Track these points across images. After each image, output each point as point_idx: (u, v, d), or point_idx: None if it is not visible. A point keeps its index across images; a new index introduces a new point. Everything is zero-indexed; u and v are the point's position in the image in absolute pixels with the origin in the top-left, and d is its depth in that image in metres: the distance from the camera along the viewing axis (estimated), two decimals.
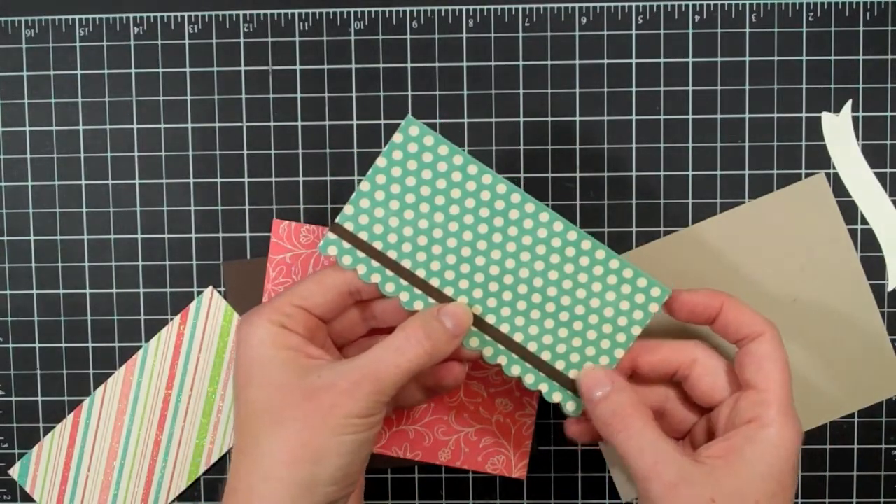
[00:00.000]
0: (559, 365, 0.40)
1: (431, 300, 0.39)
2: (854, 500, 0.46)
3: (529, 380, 0.40)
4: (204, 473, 0.47)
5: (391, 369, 0.36)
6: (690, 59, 0.46)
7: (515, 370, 0.40)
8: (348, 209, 0.39)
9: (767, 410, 0.37)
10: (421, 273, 0.39)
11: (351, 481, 0.37)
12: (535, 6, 0.45)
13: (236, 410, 0.37)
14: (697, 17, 0.46)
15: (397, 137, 0.39)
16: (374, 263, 0.39)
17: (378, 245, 0.39)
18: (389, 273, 0.39)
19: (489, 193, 0.39)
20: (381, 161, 0.39)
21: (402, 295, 0.39)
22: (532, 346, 0.40)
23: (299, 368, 0.37)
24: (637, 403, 0.38)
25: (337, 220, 0.39)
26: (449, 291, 0.39)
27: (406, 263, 0.39)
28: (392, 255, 0.39)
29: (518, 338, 0.40)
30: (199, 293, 0.46)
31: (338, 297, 0.39)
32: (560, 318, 0.40)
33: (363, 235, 0.39)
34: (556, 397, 0.40)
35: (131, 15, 0.46)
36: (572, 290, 0.40)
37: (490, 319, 0.40)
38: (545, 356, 0.40)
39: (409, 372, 0.36)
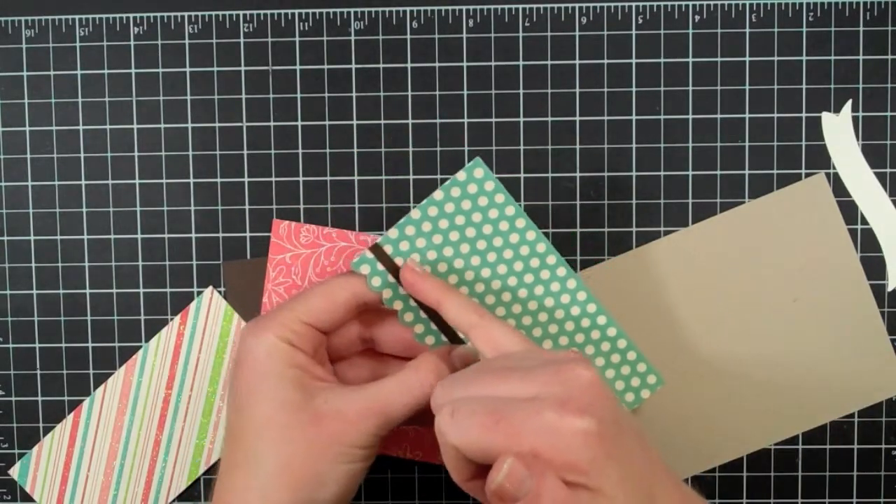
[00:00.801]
0: None
1: (444, 338, 0.40)
2: (854, 500, 0.46)
3: None
4: (204, 473, 0.47)
5: (399, 408, 0.37)
6: (690, 59, 0.46)
7: None
8: (392, 233, 0.39)
9: None
10: None
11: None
12: (535, 6, 0.45)
13: (232, 421, 0.37)
14: (697, 17, 0.46)
15: (461, 175, 0.39)
16: (401, 291, 0.39)
17: None
18: (412, 303, 0.40)
19: (528, 249, 0.40)
20: (437, 194, 0.39)
21: (416, 327, 0.40)
22: None
23: (305, 389, 0.37)
24: None
25: (379, 241, 0.39)
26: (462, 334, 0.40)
27: None
28: None
29: None
30: (199, 293, 0.46)
31: (345, 312, 0.39)
32: None
33: (399, 261, 0.39)
34: None
35: (131, 15, 0.46)
36: None
37: None
38: None
39: (415, 411, 0.37)
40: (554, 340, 0.41)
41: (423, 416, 0.40)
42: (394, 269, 0.39)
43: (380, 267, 0.39)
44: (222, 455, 0.38)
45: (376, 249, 0.39)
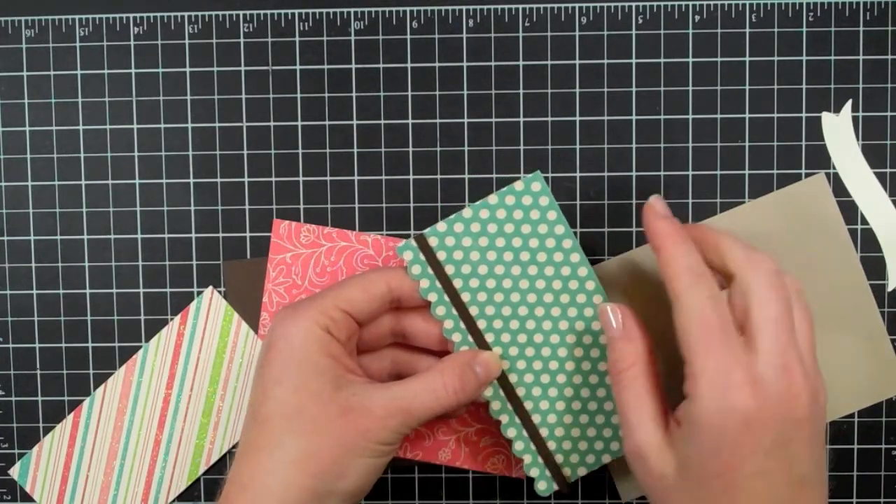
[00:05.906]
0: (551, 445, 0.41)
1: (470, 338, 0.40)
2: (854, 500, 0.46)
3: (518, 446, 0.41)
4: (204, 473, 0.47)
5: (424, 410, 0.38)
6: (690, 59, 0.46)
7: (511, 433, 0.41)
8: (441, 226, 0.40)
9: (692, 385, 0.35)
10: (473, 310, 0.40)
11: (361, 497, 0.38)
12: (535, 6, 0.45)
13: (258, 403, 0.37)
14: (697, 17, 0.46)
15: (518, 185, 0.40)
16: (438, 284, 0.40)
17: (450, 269, 0.40)
18: (446, 298, 0.40)
19: (569, 270, 0.41)
20: (492, 198, 0.40)
21: (446, 322, 0.40)
22: (536, 418, 0.41)
23: (336, 380, 0.37)
24: (641, 353, 0.37)
25: (426, 231, 0.40)
26: (489, 338, 0.41)
27: (465, 296, 0.40)
28: (457, 283, 0.40)
29: (528, 405, 0.41)
30: (199, 293, 0.46)
31: (380, 304, 0.40)
32: (572, 405, 0.41)
33: (441, 255, 0.40)
34: (534, 472, 0.42)
35: (131, 15, 0.46)
36: (595, 386, 0.41)
37: (512, 378, 0.41)
38: (543, 432, 0.41)
39: (438, 414, 0.38)
40: (576, 363, 0.41)
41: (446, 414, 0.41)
42: (434, 262, 0.40)
43: (422, 257, 0.40)
44: (243, 435, 0.38)
45: (421, 240, 0.40)
